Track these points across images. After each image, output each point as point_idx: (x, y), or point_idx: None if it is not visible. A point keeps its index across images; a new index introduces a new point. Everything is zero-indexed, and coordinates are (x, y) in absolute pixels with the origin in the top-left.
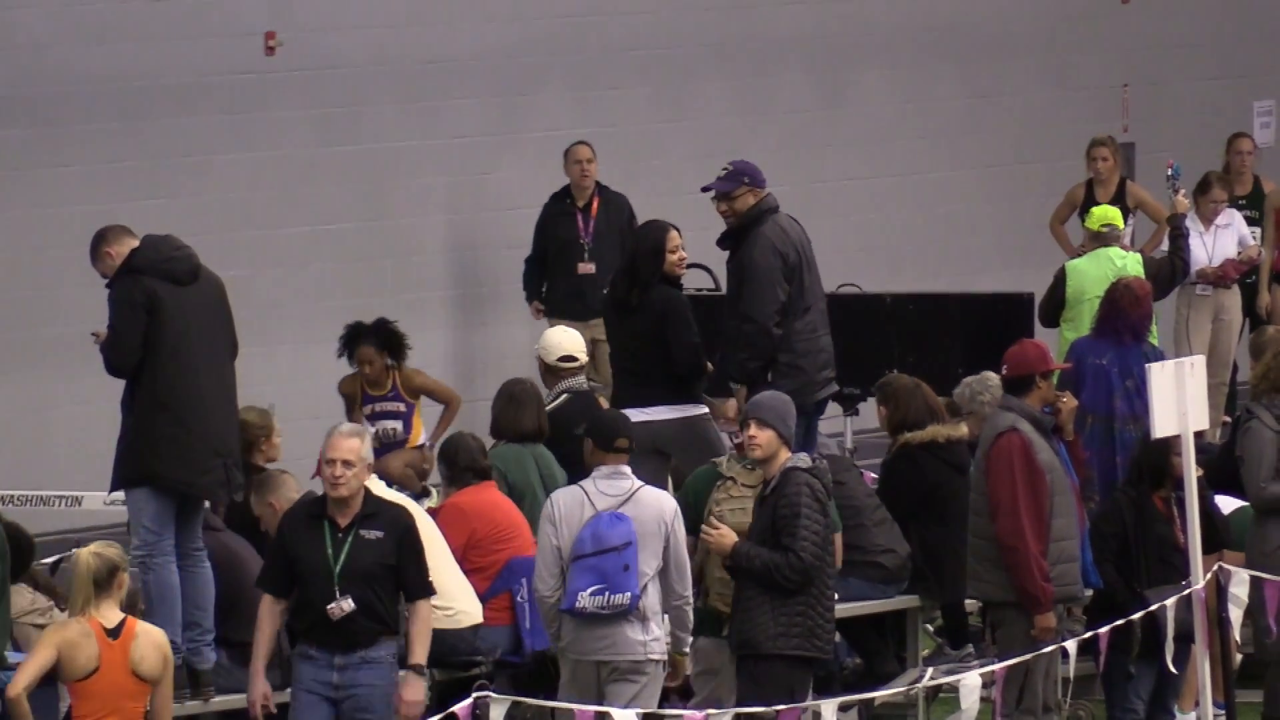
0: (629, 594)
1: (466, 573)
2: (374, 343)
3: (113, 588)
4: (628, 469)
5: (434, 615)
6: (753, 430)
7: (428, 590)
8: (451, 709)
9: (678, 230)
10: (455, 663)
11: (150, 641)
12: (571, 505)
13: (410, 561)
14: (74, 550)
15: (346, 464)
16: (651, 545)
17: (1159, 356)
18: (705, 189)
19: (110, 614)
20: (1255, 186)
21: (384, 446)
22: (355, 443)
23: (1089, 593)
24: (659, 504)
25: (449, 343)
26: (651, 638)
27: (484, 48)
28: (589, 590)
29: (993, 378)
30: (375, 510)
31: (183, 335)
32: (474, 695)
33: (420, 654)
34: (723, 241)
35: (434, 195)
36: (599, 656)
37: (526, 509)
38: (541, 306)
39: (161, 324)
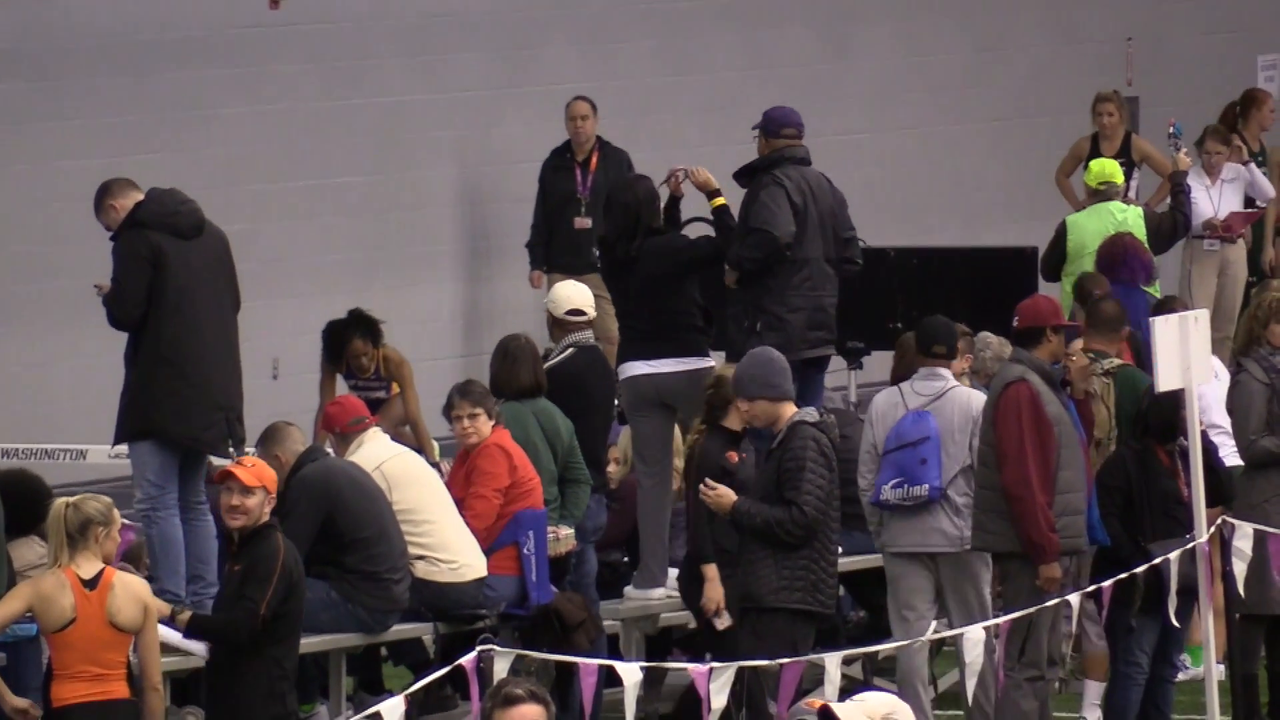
0: (927, 486)
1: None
2: (360, 334)
3: (89, 540)
4: (946, 371)
5: (438, 569)
6: (744, 407)
7: None
8: (457, 662)
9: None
10: (459, 616)
11: (128, 593)
12: (887, 405)
13: None
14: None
15: None
16: (959, 441)
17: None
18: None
19: (88, 565)
20: None
21: (368, 405)
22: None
23: (1092, 547)
24: (969, 402)
25: (454, 296)
26: (966, 530)
27: (488, 1)
28: (890, 484)
29: (991, 337)
30: None
31: (186, 289)
32: (478, 649)
33: None
34: (738, 176)
35: (439, 149)
36: (911, 549)
37: None
38: (543, 276)
39: (165, 278)
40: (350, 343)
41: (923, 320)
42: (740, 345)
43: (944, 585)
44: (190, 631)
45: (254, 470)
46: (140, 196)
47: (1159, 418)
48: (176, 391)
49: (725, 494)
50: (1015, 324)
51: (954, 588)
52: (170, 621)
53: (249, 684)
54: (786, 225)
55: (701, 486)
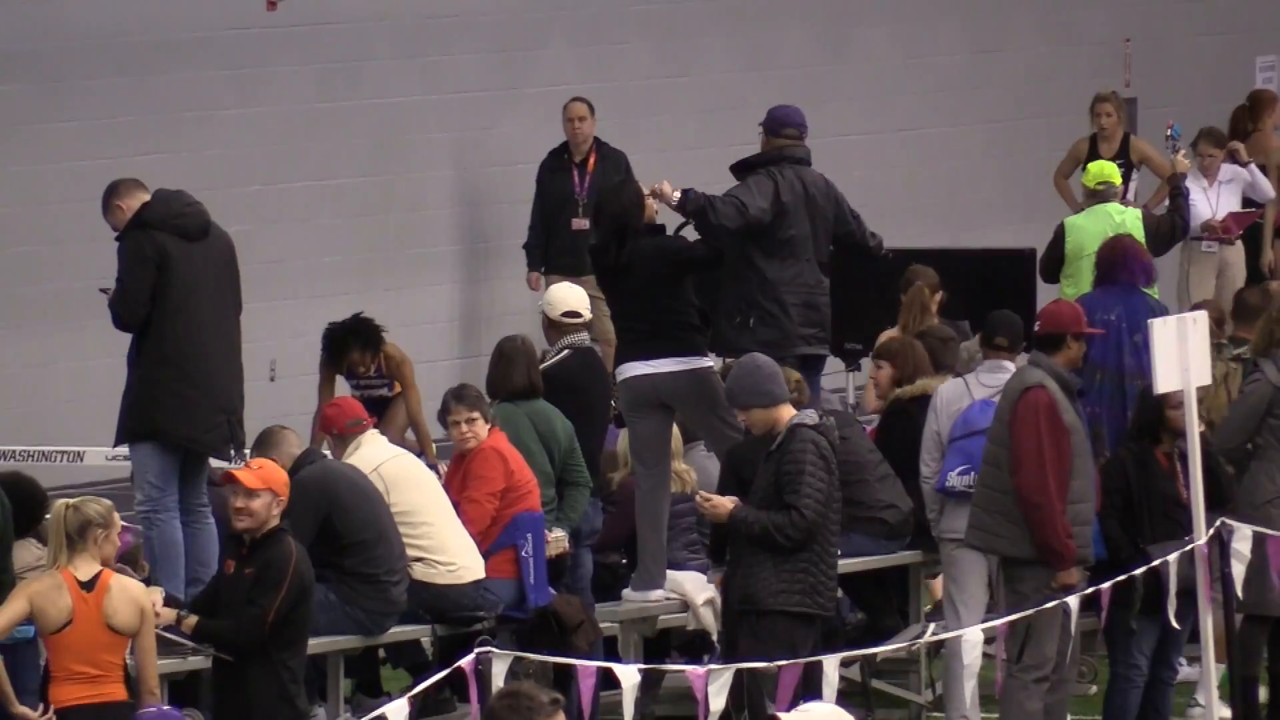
0: None
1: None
2: (359, 345)
3: (87, 542)
4: (1009, 363)
5: (436, 571)
6: (741, 417)
7: None
8: (456, 664)
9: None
10: (458, 618)
11: (125, 595)
12: (952, 395)
13: None
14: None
15: None
16: None
17: (1163, 311)
18: None
19: (85, 567)
20: None
21: (371, 404)
22: None
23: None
24: None
25: (452, 298)
26: None
27: (486, 2)
28: (957, 470)
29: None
30: None
31: (190, 291)
32: (476, 651)
33: None
34: (735, 169)
35: (437, 150)
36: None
37: None
38: (541, 278)
39: (169, 279)
40: (349, 352)
41: (990, 314)
42: (734, 341)
43: (994, 573)
44: (196, 636)
45: (259, 473)
46: (147, 197)
47: (1144, 417)
48: (179, 393)
49: (721, 503)
50: (1036, 328)
51: (1011, 577)
52: (175, 627)
53: (259, 688)
54: (760, 213)
55: (697, 498)
